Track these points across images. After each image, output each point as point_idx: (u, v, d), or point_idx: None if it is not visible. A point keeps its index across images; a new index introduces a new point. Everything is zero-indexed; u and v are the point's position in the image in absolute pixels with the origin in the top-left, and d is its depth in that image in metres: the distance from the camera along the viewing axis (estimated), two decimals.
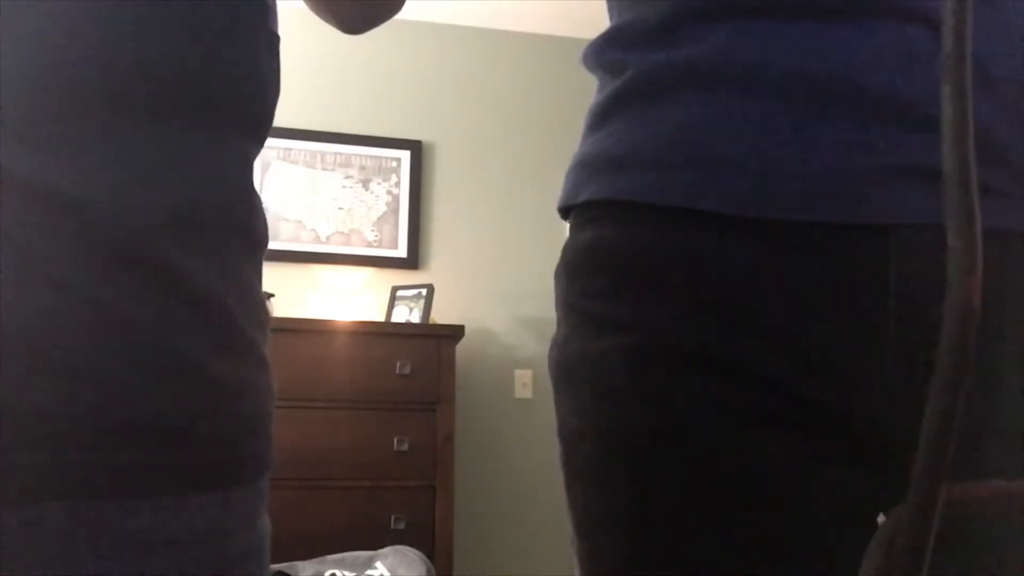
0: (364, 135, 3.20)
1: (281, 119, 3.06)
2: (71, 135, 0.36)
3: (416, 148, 3.23)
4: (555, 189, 0.62)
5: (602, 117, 0.58)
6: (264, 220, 0.46)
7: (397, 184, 3.20)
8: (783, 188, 0.49)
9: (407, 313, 2.88)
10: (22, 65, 0.35)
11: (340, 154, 3.17)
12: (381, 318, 3.00)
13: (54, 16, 0.36)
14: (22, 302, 0.34)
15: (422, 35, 3.33)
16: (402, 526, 2.47)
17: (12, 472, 0.34)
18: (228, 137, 0.43)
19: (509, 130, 3.34)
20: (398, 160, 3.22)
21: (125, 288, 0.37)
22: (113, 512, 0.36)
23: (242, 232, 0.44)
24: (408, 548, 2.20)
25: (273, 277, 2.94)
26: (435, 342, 2.64)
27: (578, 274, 0.57)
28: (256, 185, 0.46)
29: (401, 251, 3.16)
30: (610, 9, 0.62)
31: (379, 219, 3.17)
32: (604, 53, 0.59)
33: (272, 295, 2.82)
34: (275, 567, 2.04)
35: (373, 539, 2.36)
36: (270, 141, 3.04)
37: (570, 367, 0.56)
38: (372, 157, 3.20)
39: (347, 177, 3.17)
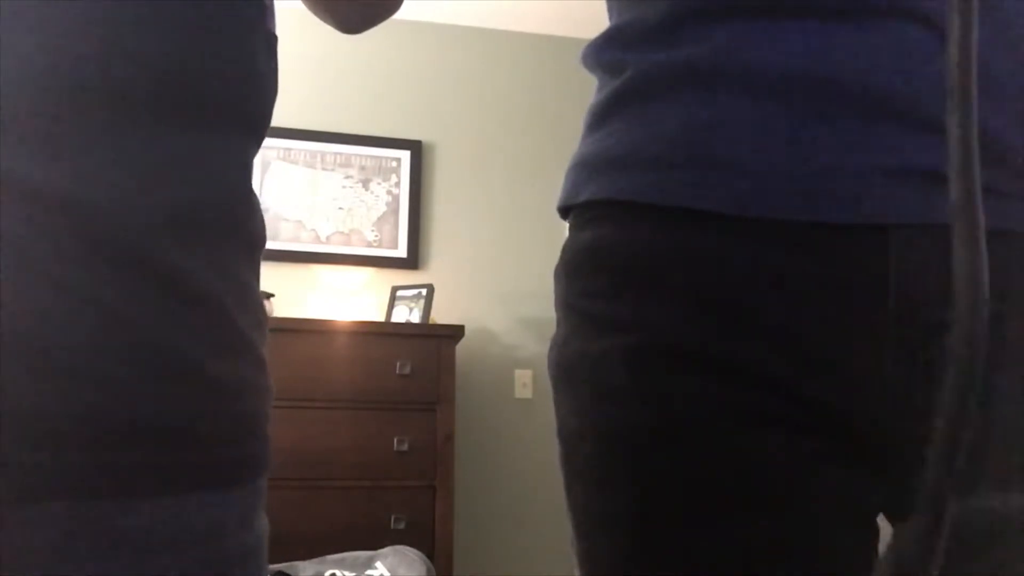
0: (364, 135, 3.20)
1: (281, 119, 3.06)
2: (71, 135, 0.36)
3: (416, 148, 3.23)
4: (555, 189, 0.62)
5: (602, 117, 0.58)
6: (262, 220, 0.46)
7: (397, 184, 3.20)
8: (783, 188, 0.49)
9: (407, 313, 2.88)
10: (22, 65, 0.35)
11: (340, 154, 3.17)
12: (381, 318, 3.00)
13: (54, 16, 0.36)
14: (22, 302, 0.34)
15: (422, 35, 3.33)
16: (402, 526, 2.47)
17: (12, 472, 0.34)
18: (227, 137, 0.43)
19: (509, 130, 3.34)
20: (398, 160, 3.22)
21: (125, 288, 0.37)
22: (113, 512, 0.36)
23: (241, 232, 0.44)
24: (408, 548, 2.20)
25: (273, 277, 2.94)
26: (435, 342, 2.64)
27: (578, 274, 0.57)
28: (256, 185, 0.46)
29: (401, 251, 3.16)
30: (610, 9, 0.62)
31: (379, 219, 3.17)
32: (604, 53, 0.59)
33: (272, 295, 2.82)
34: (275, 567, 2.04)
35: (373, 539, 2.36)
36: (270, 141, 3.04)
37: (570, 367, 0.56)
38: (372, 157, 3.20)
39: (347, 177, 3.17)
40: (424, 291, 2.88)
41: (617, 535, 0.52)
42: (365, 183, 3.18)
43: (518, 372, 3.16)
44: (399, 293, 2.95)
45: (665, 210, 0.52)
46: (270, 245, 0.46)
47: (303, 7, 0.61)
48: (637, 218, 0.53)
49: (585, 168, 0.58)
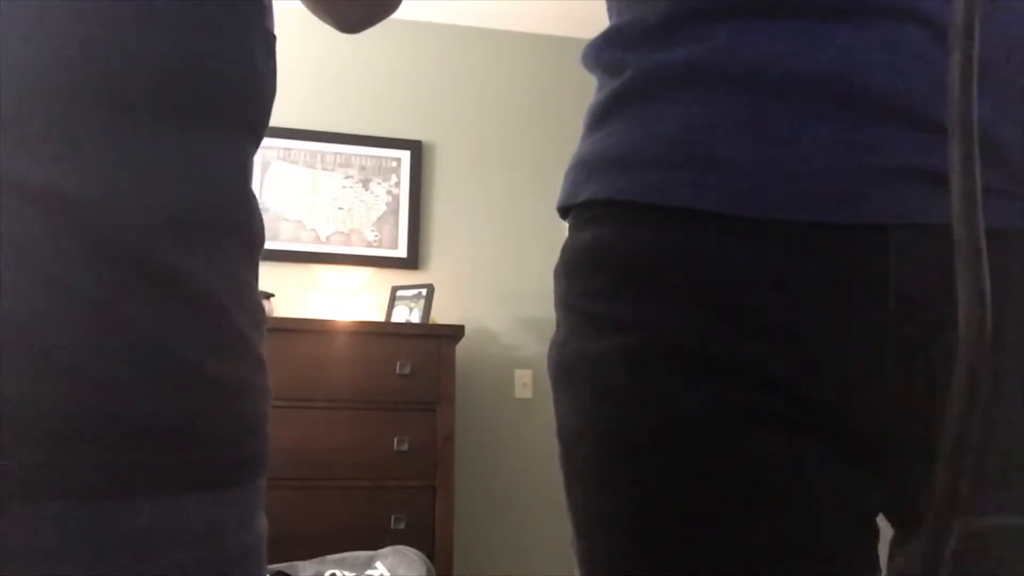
0: (364, 135, 3.20)
1: (281, 119, 3.06)
2: (71, 135, 0.36)
3: (416, 148, 3.23)
4: (555, 189, 0.62)
5: (601, 117, 0.58)
6: (261, 220, 0.46)
7: (397, 184, 3.20)
8: (783, 188, 0.49)
9: (407, 313, 2.88)
10: (21, 65, 0.35)
11: (340, 154, 3.17)
12: (381, 318, 3.00)
13: (53, 16, 0.36)
14: (22, 302, 0.34)
15: (422, 35, 3.33)
16: (402, 526, 2.47)
17: (12, 472, 0.34)
18: (226, 137, 0.43)
19: (509, 130, 3.34)
20: (398, 160, 3.22)
21: (125, 288, 0.37)
22: (113, 512, 0.36)
23: (240, 232, 0.44)
24: (408, 548, 2.20)
25: (273, 277, 2.94)
26: (435, 342, 2.64)
27: (578, 274, 0.57)
28: (256, 185, 0.46)
29: (401, 251, 3.16)
30: (610, 9, 0.62)
31: (379, 219, 3.17)
32: (603, 53, 0.59)
33: (272, 295, 2.82)
34: (275, 567, 2.04)
35: (373, 539, 2.36)
36: (270, 141, 3.04)
37: (570, 367, 0.56)
38: (372, 157, 3.20)
39: (347, 177, 3.17)
40: (424, 291, 2.88)
41: (617, 535, 0.52)
42: (365, 183, 3.18)
43: (518, 372, 3.16)
44: (399, 293, 2.95)
45: (665, 210, 0.52)
46: (270, 245, 0.45)
47: (303, 7, 0.61)
48: (637, 218, 0.53)
49: (585, 168, 0.58)
